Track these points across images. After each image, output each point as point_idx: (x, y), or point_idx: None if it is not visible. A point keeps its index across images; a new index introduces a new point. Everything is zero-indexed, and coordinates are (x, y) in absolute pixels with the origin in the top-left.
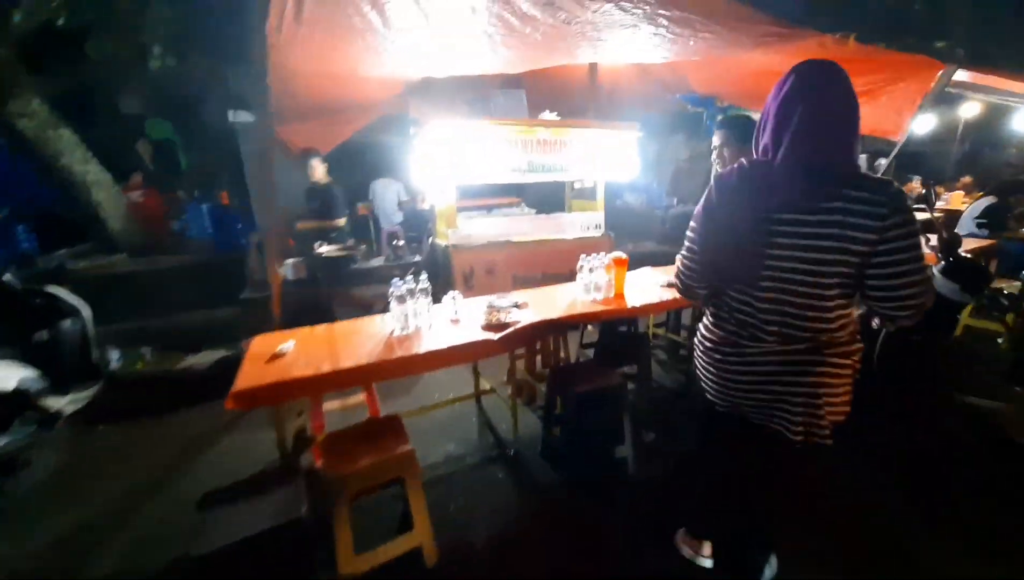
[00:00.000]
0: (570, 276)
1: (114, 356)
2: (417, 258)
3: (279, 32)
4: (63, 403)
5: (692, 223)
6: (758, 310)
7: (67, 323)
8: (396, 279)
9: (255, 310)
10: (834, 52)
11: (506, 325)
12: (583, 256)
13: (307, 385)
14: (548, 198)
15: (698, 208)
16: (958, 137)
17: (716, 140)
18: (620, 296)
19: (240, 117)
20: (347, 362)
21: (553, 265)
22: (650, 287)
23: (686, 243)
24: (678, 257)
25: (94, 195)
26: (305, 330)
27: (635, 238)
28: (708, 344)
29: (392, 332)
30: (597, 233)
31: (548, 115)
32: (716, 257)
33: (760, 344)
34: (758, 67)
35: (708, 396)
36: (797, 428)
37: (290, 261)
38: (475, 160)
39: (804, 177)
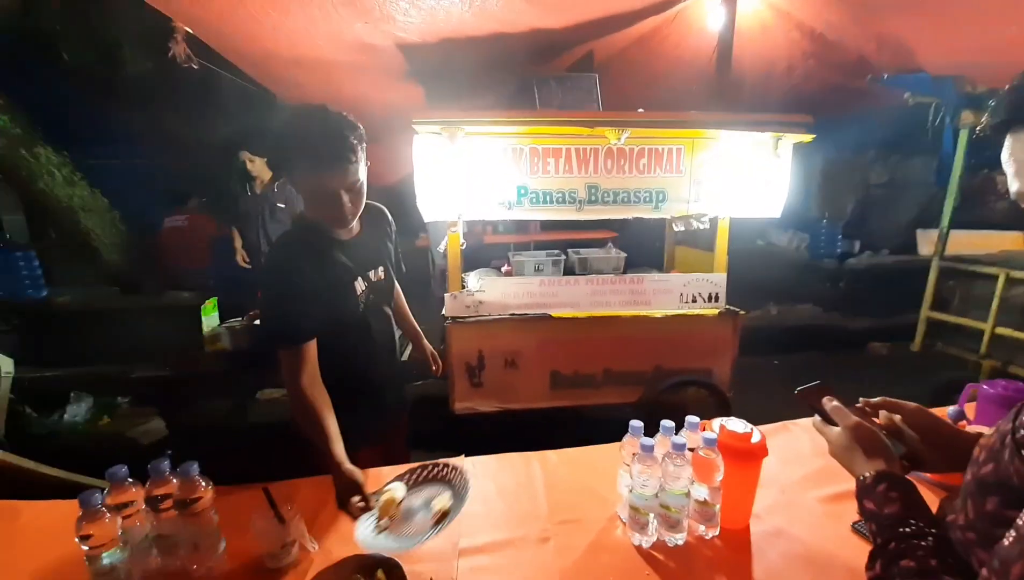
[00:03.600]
0: (653, 378)
1: (82, 407)
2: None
3: None
4: None
5: None
6: None
7: None
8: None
9: None
10: None
11: None
12: (632, 430)
13: None
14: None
15: None
16: None
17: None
18: (740, 534)
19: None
20: None
21: (625, 359)
22: (809, 501)
23: None
24: None
25: (83, 222)
26: None
27: (783, 299)
28: None
29: None
30: (711, 307)
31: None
32: None
33: None
34: None
35: None
36: None
37: (234, 321)
38: (483, 181)
39: None
